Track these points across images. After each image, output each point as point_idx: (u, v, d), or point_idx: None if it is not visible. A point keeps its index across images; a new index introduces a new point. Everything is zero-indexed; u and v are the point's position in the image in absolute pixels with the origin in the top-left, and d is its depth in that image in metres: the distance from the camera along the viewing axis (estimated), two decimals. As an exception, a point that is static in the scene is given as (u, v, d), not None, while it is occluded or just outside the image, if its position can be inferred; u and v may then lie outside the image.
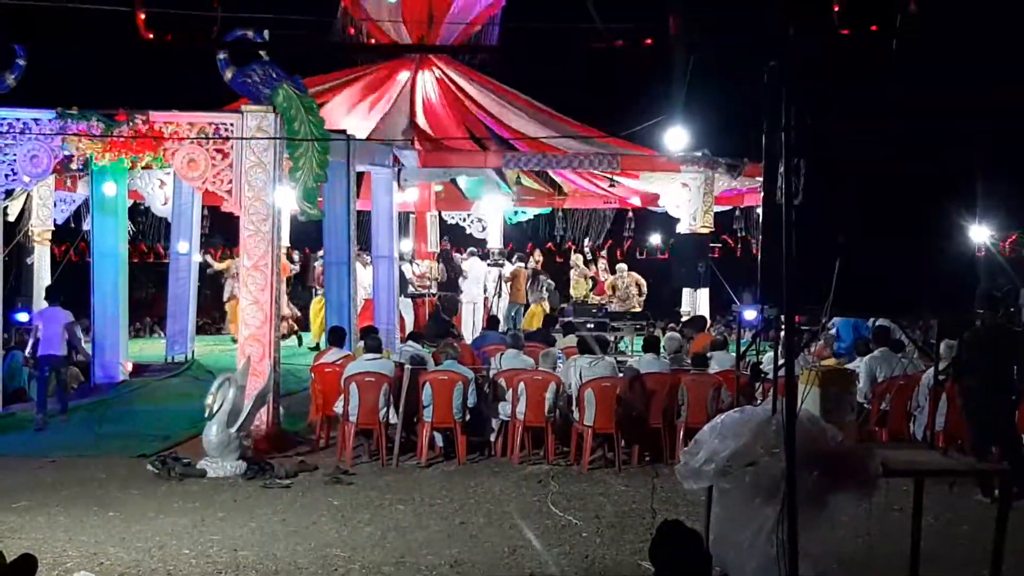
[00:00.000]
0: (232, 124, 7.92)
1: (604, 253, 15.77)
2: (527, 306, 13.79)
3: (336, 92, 14.14)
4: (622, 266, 15.00)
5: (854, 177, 4.13)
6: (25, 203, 11.30)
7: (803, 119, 3.78)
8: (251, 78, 7.97)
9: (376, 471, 7.17)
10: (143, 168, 9.04)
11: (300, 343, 12.53)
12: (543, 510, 6.15)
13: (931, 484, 5.00)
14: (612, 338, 11.21)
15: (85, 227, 11.70)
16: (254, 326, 7.86)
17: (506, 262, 14.48)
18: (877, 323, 8.58)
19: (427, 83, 15.02)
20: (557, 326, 11.08)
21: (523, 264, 14.20)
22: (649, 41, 6.45)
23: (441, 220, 15.88)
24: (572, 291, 15.11)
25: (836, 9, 4.41)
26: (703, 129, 11.28)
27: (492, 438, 7.70)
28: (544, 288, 13.78)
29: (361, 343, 8.46)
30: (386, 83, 14.83)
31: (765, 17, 4.20)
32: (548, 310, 13.49)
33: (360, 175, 11.15)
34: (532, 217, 17.50)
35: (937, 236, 4.20)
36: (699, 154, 12.17)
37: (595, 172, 13.56)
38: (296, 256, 13.48)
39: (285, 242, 11.85)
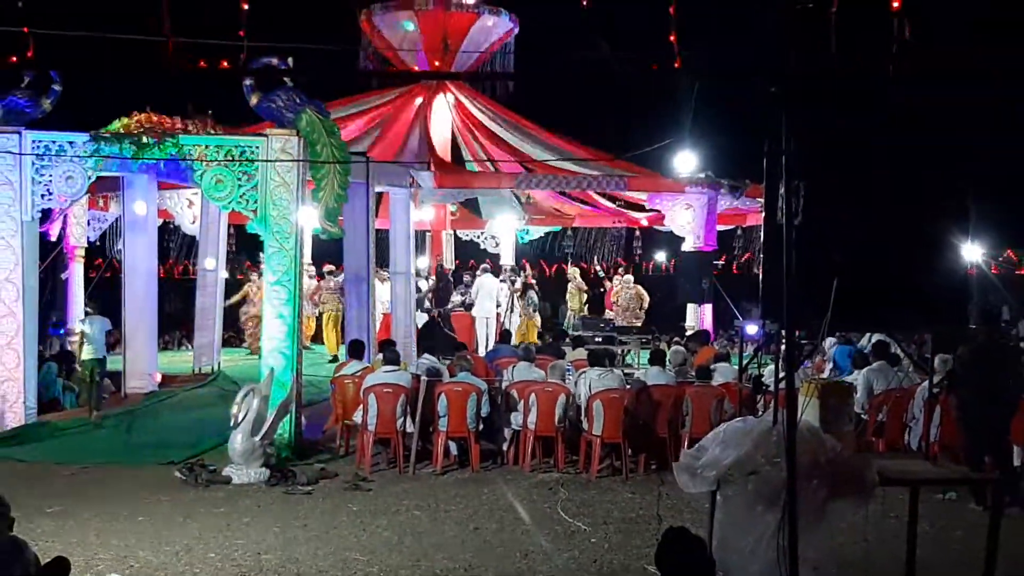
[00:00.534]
0: (258, 147, 8.20)
1: (621, 271, 16.06)
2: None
3: (357, 116, 14.54)
4: (628, 277, 15.17)
5: (851, 198, 4.32)
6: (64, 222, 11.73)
7: (802, 142, 3.92)
8: (275, 103, 8.23)
9: (393, 478, 7.31)
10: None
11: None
12: (553, 516, 6.27)
13: (926, 492, 5.16)
14: (619, 351, 11.40)
15: (117, 245, 12.05)
16: (277, 339, 8.13)
17: (517, 278, 14.78)
18: (876, 338, 8.73)
19: (442, 107, 15.39)
20: (567, 339, 11.29)
21: (534, 280, 14.46)
22: (655, 67, 6.69)
23: (456, 238, 16.19)
24: (568, 304, 15.32)
25: (834, 37, 4.63)
26: (707, 152, 11.58)
27: (504, 447, 7.85)
28: (530, 303, 13.98)
29: (380, 356, 8.69)
30: (404, 107, 15.21)
31: (766, 45, 4.40)
32: (539, 324, 13.75)
33: (379, 195, 11.42)
34: (544, 235, 17.81)
35: (931, 255, 4.35)
36: (702, 175, 12.43)
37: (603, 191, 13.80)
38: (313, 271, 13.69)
39: (307, 259, 12.20)
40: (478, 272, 14.45)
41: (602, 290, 16.56)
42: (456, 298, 14.38)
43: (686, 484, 4.20)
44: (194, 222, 12.61)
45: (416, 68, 15.07)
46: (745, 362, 5.98)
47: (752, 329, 5.29)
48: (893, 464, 4.66)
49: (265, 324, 8.30)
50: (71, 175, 8.46)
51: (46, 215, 9.01)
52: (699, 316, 12.96)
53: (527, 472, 7.48)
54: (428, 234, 14.96)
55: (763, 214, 4.36)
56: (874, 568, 4.99)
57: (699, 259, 12.51)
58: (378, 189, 10.94)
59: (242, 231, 10.39)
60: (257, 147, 8.21)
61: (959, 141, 4.49)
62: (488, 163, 14.22)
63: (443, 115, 15.29)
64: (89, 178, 8.53)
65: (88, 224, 12.55)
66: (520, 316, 13.83)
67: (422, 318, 12.98)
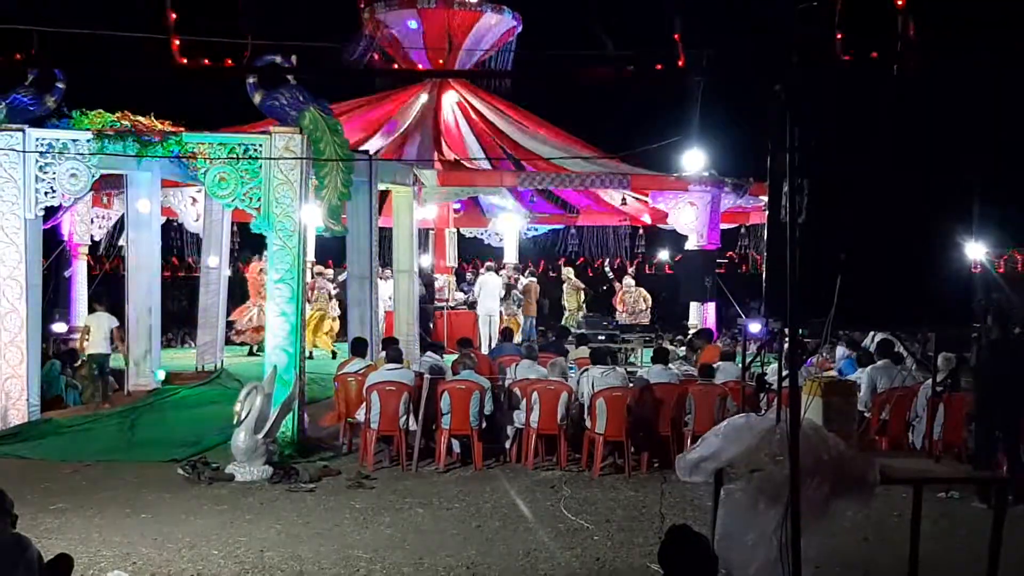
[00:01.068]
0: (261, 145, 8.22)
1: (632, 270, 16.02)
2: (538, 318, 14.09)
3: (360, 114, 14.54)
4: (629, 281, 15.22)
5: (855, 196, 4.30)
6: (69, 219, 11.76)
7: (806, 141, 3.91)
8: (279, 101, 8.24)
9: (396, 476, 7.33)
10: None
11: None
12: (556, 514, 6.28)
13: (929, 491, 5.14)
14: (620, 350, 11.40)
15: (120, 242, 12.06)
16: (280, 336, 8.14)
17: (520, 276, 14.78)
18: (879, 336, 8.72)
19: (446, 105, 15.39)
20: (570, 337, 11.30)
21: (535, 279, 14.48)
22: (659, 67, 6.68)
23: (460, 236, 16.19)
24: (564, 304, 15.34)
25: (838, 36, 4.62)
26: (711, 149, 11.56)
27: (507, 445, 7.86)
28: (514, 301, 14.00)
29: (383, 354, 8.69)
30: (407, 105, 15.22)
31: (770, 43, 4.39)
32: (521, 323, 13.77)
33: (382, 193, 11.43)
34: (547, 231, 17.82)
35: (935, 253, 4.34)
36: (706, 173, 12.41)
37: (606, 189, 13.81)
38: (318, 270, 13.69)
39: (310, 256, 12.21)
40: (481, 270, 14.46)
41: (605, 288, 16.57)
42: (459, 296, 14.39)
43: (686, 477, 4.25)
44: (197, 220, 12.62)
45: (420, 67, 15.07)
46: (748, 360, 5.97)
47: (755, 327, 5.29)
48: (896, 463, 4.64)
49: (268, 322, 8.31)
50: (75, 172, 8.49)
51: (50, 212, 9.00)
52: (702, 314, 12.96)
53: (530, 470, 7.50)
54: (431, 232, 14.96)
55: (767, 212, 4.32)
56: (876, 567, 5.01)
57: (702, 257, 12.48)
58: (381, 187, 10.93)
59: (245, 229, 10.40)
60: (260, 145, 8.23)
61: (965, 137, 4.46)
62: (490, 160, 14.21)
63: (447, 113, 15.30)
64: (94, 175, 8.56)
65: (92, 222, 12.58)
66: (506, 315, 13.85)
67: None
